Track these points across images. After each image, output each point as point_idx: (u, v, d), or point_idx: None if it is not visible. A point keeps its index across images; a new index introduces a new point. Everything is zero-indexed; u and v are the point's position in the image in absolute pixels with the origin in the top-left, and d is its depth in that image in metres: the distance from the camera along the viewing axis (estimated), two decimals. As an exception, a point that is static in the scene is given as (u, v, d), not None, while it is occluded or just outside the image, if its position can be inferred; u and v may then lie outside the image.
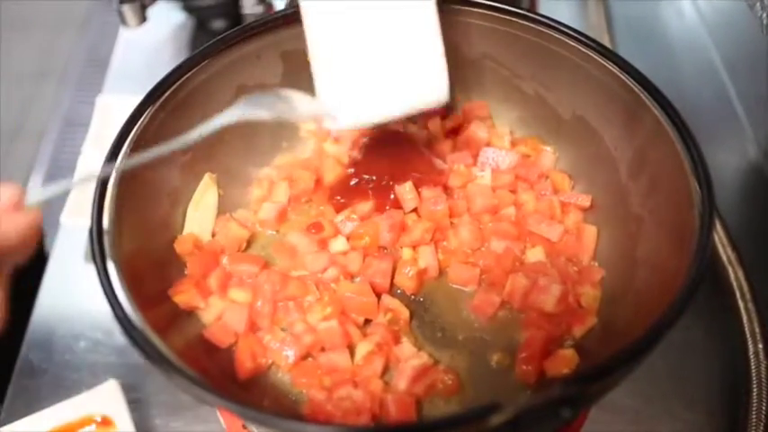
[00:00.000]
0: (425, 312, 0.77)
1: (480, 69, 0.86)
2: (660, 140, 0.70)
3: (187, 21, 1.29)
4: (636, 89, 0.72)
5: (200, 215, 0.81)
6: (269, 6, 1.19)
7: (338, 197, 0.84)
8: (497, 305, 0.76)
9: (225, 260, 0.78)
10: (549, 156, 0.87)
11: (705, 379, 0.85)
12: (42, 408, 0.81)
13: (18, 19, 2.43)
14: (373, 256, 0.80)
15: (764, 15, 0.84)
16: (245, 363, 0.72)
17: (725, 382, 0.84)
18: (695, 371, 0.85)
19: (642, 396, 0.83)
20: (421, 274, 0.78)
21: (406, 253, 0.80)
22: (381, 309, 0.76)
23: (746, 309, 0.84)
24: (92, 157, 1.06)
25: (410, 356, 0.72)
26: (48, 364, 0.89)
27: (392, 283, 0.78)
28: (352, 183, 0.85)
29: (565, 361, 0.70)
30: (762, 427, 0.76)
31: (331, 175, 0.85)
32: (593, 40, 0.76)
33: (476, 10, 0.80)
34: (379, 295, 0.76)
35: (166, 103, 0.74)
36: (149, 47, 1.28)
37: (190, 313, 0.74)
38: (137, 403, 0.84)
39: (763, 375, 0.79)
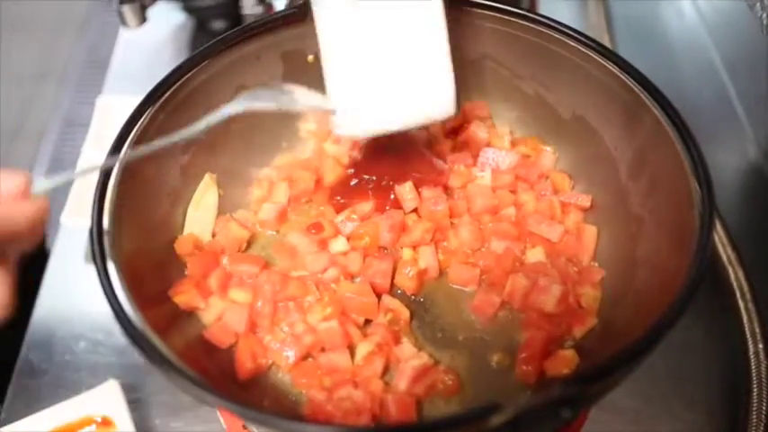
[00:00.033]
0: (426, 313, 0.77)
1: (480, 69, 0.86)
2: (660, 140, 0.70)
3: (187, 21, 1.29)
4: (636, 89, 0.72)
5: (201, 215, 0.81)
6: (269, 7, 1.19)
7: (338, 197, 0.84)
8: (497, 305, 0.76)
9: (225, 260, 0.78)
10: (549, 156, 0.87)
11: (705, 379, 0.85)
12: (42, 408, 0.81)
13: (18, 19, 2.43)
14: (373, 256, 0.80)
15: (764, 15, 0.84)
16: (245, 363, 0.72)
17: (725, 383, 0.84)
18: (695, 371, 0.85)
19: (642, 396, 0.83)
20: (421, 274, 0.78)
21: (407, 253, 0.80)
22: (382, 309, 0.76)
23: (746, 309, 0.84)
24: (92, 158, 1.06)
25: (410, 357, 0.72)
26: (48, 364, 0.89)
27: (392, 284, 0.78)
28: (353, 183, 0.85)
29: (565, 361, 0.70)
30: (762, 428, 0.76)
31: (331, 175, 0.85)
32: (593, 41, 0.76)
33: (476, 10, 0.80)
34: (379, 295, 0.76)
35: (166, 104, 0.74)
36: (149, 47, 1.28)
37: (190, 313, 0.74)
38: (137, 403, 0.84)
39: (763, 375, 0.79)
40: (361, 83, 0.69)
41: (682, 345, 0.87)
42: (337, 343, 0.73)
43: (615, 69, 0.74)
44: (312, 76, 0.86)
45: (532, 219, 0.81)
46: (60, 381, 0.88)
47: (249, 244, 0.82)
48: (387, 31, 0.67)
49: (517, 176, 0.85)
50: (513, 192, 0.84)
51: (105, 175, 0.66)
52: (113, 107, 1.12)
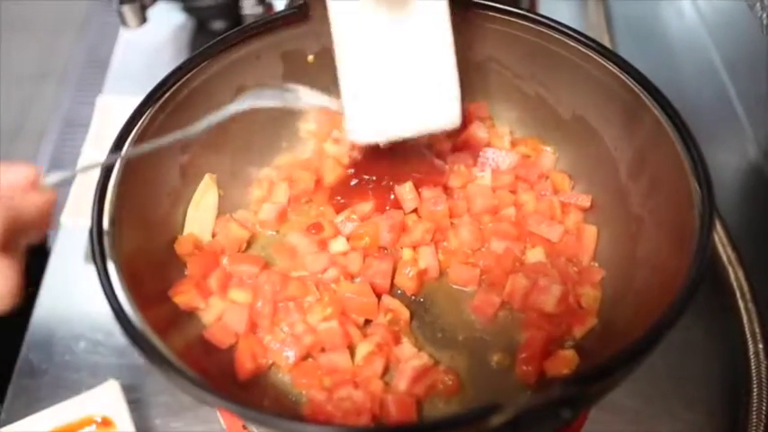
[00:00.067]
0: (426, 313, 0.77)
1: (480, 70, 0.86)
2: (660, 140, 0.70)
3: (187, 21, 1.29)
4: (636, 89, 0.72)
5: (201, 216, 0.81)
6: (269, 7, 1.19)
7: (338, 197, 0.84)
8: (497, 305, 0.76)
9: (225, 261, 0.78)
10: (549, 156, 0.87)
11: (705, 379, 0.85)
12: (42, 408, 0.81)
13: (18, 19, 2.43)
14: (373, 256, 0.80)
15: (764, 15, 0.84)
16: (245, 363, 0.72)
17: (725, 383, 0.84)
18: (695, 371, 0.85)
19: (642, 396, 0.83)
20: (421, 274, 0.78)
21: (407, 253, 0.80)
22: (381, 309, 0.76)
23: (747, 309, 0.84)
24: (92, 158, 1.06)
25: (410, 357, 0.72)
26: (48, 364, 0.89)
27: (392, 284, 0.78)
28: (353, 183, 0.85)
29: (565, 361, 0.70)
30: (762, 428, 0.76)
31: (331, 175, 0.85)
32: (593, 41, 0.76)
33: (476, 10, 0.80)
34: (379, 296, 0.76)
35: (166, 104, 0.74)
36: (149, 47, 1.28)
37: (190, 314, 0.74)
38: (137, 404, 0.84)
39: (763, 375, 0.79)
40: (372, 93, 0.71)
41: (682, 345, 0.87)
42: (337, 343, 0.73)
43: (615, 69, 0.74)
44: (312, 76, 0.86)
45: (532, 219, 0.81)
46: (60, 381, 0.88)
47: (249, 244, 0.82)
48: (396, 45, 0.69)
49: (517, 176, 0.85)
50: (513, 192, 0.84)
51: (105, 174, 0.66)
52: (113, 107, 1.12)
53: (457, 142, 0.88)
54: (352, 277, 0.78)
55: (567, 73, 0.80)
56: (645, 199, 0.74)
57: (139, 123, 0.71)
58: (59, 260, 1.00)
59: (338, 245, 0.80)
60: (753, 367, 0.80)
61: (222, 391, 0.55)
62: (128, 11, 1.07)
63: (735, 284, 0.86)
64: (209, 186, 0.82)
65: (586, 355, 0.71)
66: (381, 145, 0.75)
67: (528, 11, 0.79)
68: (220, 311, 0.75)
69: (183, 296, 0.73)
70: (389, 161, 0.84)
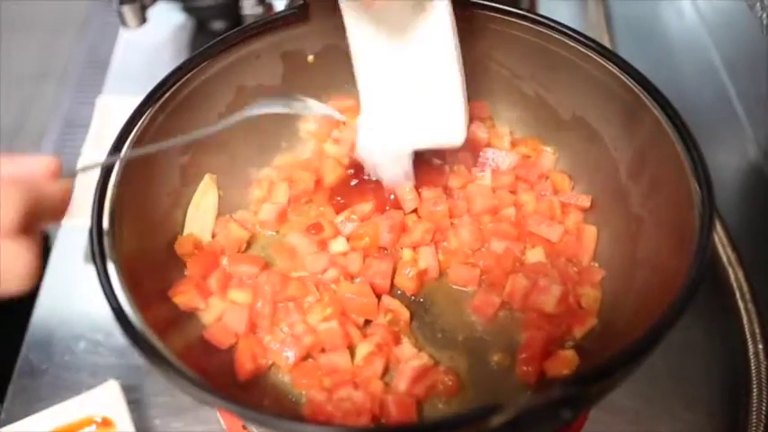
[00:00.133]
0: (426, 313, 0.77)
1: (480, 70, 0.85)
2: (660, 141, 0.70)
3: (187, 22, 1.29)
4: (636, 89, 0.72)
5: (201, 216, 0.81)
6: (269, 7, 1.19)
7: (338, 198, 0.84)
8: (497, 306, 0.76)
9: (225, 261, 0.78)
10: (549, 156, 0.87)
11: (705, 379, 0.85)
12: (42, 408, 0.81)
13: (18, 19, 2.43)
14: (373, 256, 0.79)
15: (764, 15, 0.84)
16: (245, 363, 0.72)
17: (725, 383, 0.84)
18: (695, 371, 0.85)
19: (642, 396, 0.83)
20: (421, 274, 0.78)
21: (407, 254, 0.80)
22: (381, 309, 0.76)
23: (746, 309, 0.84)
24: (92, 158, 1.06)
25: (410, 357, 0.72)
26: (48, 364, 0.89)
27: (392, 284, 0.78)
28: (353, 183, 0.85)
29: (565, 362, 0.70)
30: (762, 428, 0.76)
31: (331, 175, 0.85)
32: (593, 41, 0.76)
33: (475, 11, 0.80)
34: (379, 296, 0.76)
35: (166, 104, 0.74)
36: (149, 48, 1.28)
37: (190, 314, 0.74)
38: (137, 404, 0.84)
39: (763, 376, 0.79)
40: (384, 110, 0.75)
41: (682, 345, 0.87)
42: (337, 343, 0.73)
43: (615, 69, 0.74)
44: (312, 77, 0.86)
45: (532, 219, 0.81)
46: (60, 381, 0.88)
47: (249, 244, 0.82)
48: (403, 65, 0.72)
49: (517, 177, 0.85)
50: (513, 192, 0.84)
51: (105, 174, 0.66)
52: (113, 107, 1.12)
53: (457, 142, 0.88)
54: (352, 277, 0.78)
55: (566, 73, 0.80)
56: (645, 199, 0.74)
57: (139, 123, 0.71)
58: (59, 260, 1.00)
59: (338, 245, 0.80)
60: (753, 367, 0.80)
61: (222, 392, 0.55)
62: (128, 11, 1.07)
63: (735, 285, 0.86)
64: (209, 186, 0.82)
65: (586, 356, 0.71)
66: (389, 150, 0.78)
67: (528, 11, 0.79)
68: (220, 312, 0.75)
69: (183, 296, 0.73)
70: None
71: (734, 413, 0.80)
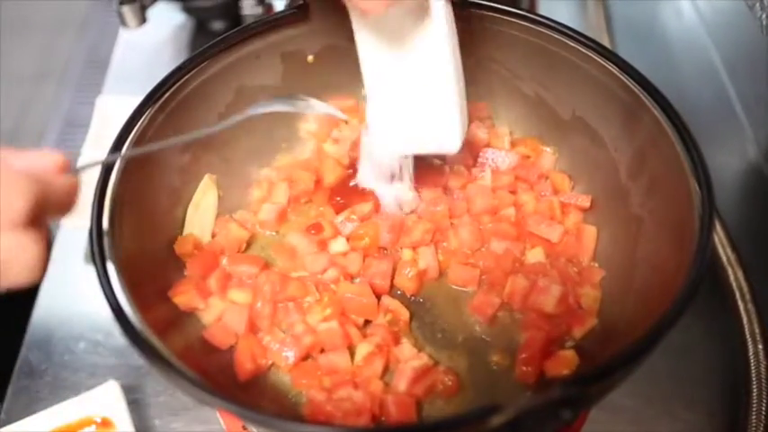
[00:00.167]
0: (425, 313, 0.77)
1: (480, 70, 0.85)
2: (660, 141, 0.70)
3: (187, 22, 1.29)
4: (635, 90, 0.72)
5: (200, 216, 0.81)
6: (268, 7, 1.19)
7: (338, 198, 0.84)
8: (497, 306, 0.76)
9: (225, 261, 0.78)
10: (548, 156, 0.87)
11: (705, 379, 0.85)
12: (42, 409, 0.80)
13: (18, 20, 2.43)
14: (373, 256, 0.80)
15: (764, 16, 0.84)
16: (244, 364, 0.72)
17: (725, 383, 0.84)
18: (695, 371, 0.85)
19: (642, 396, 0.83)
20: (421, 274, 0.78)
21: (406, 254, 0.80)
22: (381, 310, 0.76)
23: (746, 309, 0.84)
24: (92, 158, 1.06)
25: (410, 357, 0.72)
26: (47, 364, 0.89)
27: (392, 284, 0.78)
28: (352, 183, 0.85)
29: (565, 362, 0.70)
30: (762, 428, 0.76)
31: (331, 175, 0.85)
32: (593, 41, 0.76)
33: (475, 11, 0.80)
34: (378, 296, 0.76)
35: (166, 104, 0.74)
36: (149, 48, 1.28)
37: (190, 314, 0.74)
38: (136, 404, 0.84)
39: (763, 376, 0.79)
40: (388, 115, 0.76)
41: (682, 345, 0.87)
42: (337, 343, 0.73)
43: (615, 70, 0.74)
44: (312, 77, 0.86)
45: (532, 219, 0.81)
46: (60, 381, 0.88)
47: (249, 244, 0.82)
48: (403, 75, 0.73)
49: (517, 177, 0.85)
50: (513, 192, 0.84)
51: (105, 175, 0.66)
52: (113, 107, 1.11)
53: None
54: (351, 278, 0.78)
55: (566, 73, 0.79)
56: (645, 199, 0.74)
57: (139, 123, 0.71)
58: (59, 260, 1.00)
59: (338, 245, 0.80)
60: (753, 368, 0.80)
61: (222, 392, 0.55)
62: (127, 11, 1.07)
63: (734, 285, 0.86)
64: (209, 187, 0.82)
65: (586, 356, 0.71)
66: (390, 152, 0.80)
67: (528, 11, 0.79)
68: (220, 312, 0.75)
69: (183, 296, 0.73)
70: (389, 161, 0.84)
71: (734, 413, 0.80)
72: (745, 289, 0.85)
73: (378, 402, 0.69)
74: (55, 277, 0.97)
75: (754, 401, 0.78)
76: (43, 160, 0.52)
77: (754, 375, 0.79)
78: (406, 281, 0.78)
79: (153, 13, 1.11)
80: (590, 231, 0.80)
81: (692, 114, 0.71)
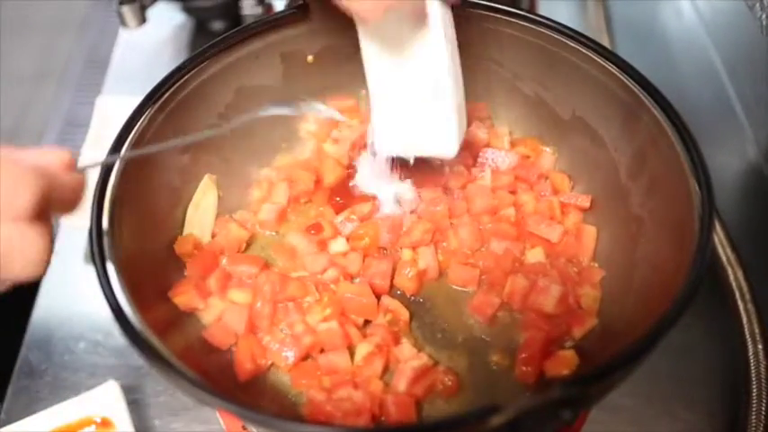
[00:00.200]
0: (425, 313, 0.77)
1: (480, 70, 0.85)
2: (660, 141, 0.70)
3: (187, 22, 1.29)
4: (635, 90, 0.72)
5: (200, 216, 0.81)
6: (268, 7, 1.19)
7: (338, 198, 0.84)
8: (497, 306, 0.76)
9: (224, 261, 0.78)
10: (548, 156, 0.87)
11: (705, 379, 0.85)
12: (42, 409, 0.81)
13: (18, 20, 2.43)
14: (373, 256, 0.80)
15: (764, 16, 0.84)
16: (244, 364, 0.72)
17: (725, 383, 0.84)
18: (695, 371, 0.85)
19: (642, 396, 0.83)
20: (421, 275, 0.78)
21: (406, 254, 0.80)
22: (381, 310, 0.76)
23: (746, 309, 0.84)
24: (92, 158, 1.06)
25: (410, 357, 0.72)
26: (47, 364, 0.89)
27: (392, 284, 0.78)
28: (352, 183, 0.85)
29: (565, 362, 0.70)
30: (762, 428, 0.76)
31: (331, 175, 0.85)
32: (593, 41, 0.76)
33: (475, 11, 0.80)
34: (378, 296, 0.76)
35: (166, 104, 0.74)
36: (149, 48, 1.28)
37: (189, 314, 0.74)
38: (136, 404, 0.84)
39: (762, 376, 0.79)
40: (389, 118, 0.77)
41: (682, 345, 0.87)
42: (337, 343, 0.73)
43: (615, 70, 0.74)
44: (311, 77, 0.86)
45: (532, 219, 0.81)
46: (60, 381, 0.88)
47: (249, 244, 0.82)
48: (404, 80, 0.74)
49: (517, 177, 0.85)
50: (513, 192, 0.84)
51: (105, 175, 0.66)
52: (113, 107, 1.11)
53: (456, 142, 0.88)
54: (351, 278, 0.78)
55: (566, 73, 0.80)
56: (645, 199, 0.74)
57: (139, 123, 0.71)
58: (59, 260, 1.00)
59: (338, 245, 0.80)
60: (752, 367, 0.80)
61: (222, 392, 0.55)
62: (127, 11, 1.07)
63: (734, 285, 0.86)
64: (209, 187, 0.82)
65: (586, 356, 0.71)
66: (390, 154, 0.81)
67: (528, 11, 0.79)
68: (220, 312, 0.75)
69: (183, 297, 0.73)
70: (389, 161, 0.84)
71: (734, 413, 0.80)
72: (745, 289, 0.85)
73: (378, 402, 0.69)
74: (55, 277, 0.97)
75: (754, 401, 0.78)
76: (49, 156, 0.52)
77: (754, 375, 0.79)
78: (405, 281, 0.78)
79: (153, 13, 1.11)
80: (590, 231, 0.80)
81: (692, 114, 0.71)
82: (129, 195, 0.68)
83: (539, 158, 0.86)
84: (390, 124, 0.77)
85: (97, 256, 0.61)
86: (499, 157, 0.85)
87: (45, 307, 0.95)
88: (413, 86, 0.73)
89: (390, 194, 0.83)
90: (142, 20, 1.09)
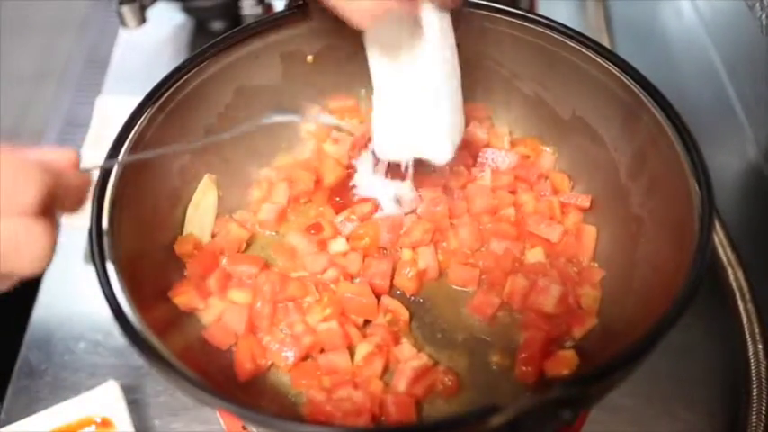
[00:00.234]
0: (425, 313, 0.77)
1: (480, 70, 0.85)
2: (660, 141, 0.70)
3: (186, 22, 1.29)
4: (635, 90, 0.72)
5: (200, 216, 0.81)
6: (268, 7, 1.19)
7: (338, 198, 0.84)
8: (497, 306, 0.76)
9: (224, 261, 0.78)
10: (548, 156, 0.87)
11: (705, 379, 0.85)
12: (42, 409, 0.80)
13: (18, 19, 2.43)
14: (373, 256, 0.80)
15: (764, 16, 0.84)
16: (244, 364, 0.72)
17: (725, 383, 0.84)
18: (695, 371, 0.85)
19: (642, 396, 0.83)
20: (420, 274, 0.78)
21: (406, 254, 0.80)
22: (381, 310, 0.76)
23: (746, 309, 0.84)
24: (92, 158, 1.06)
25: (410, 357, 0.72)
26: (47, 364, 0.89)
27: (392, 284, 0.78)
28: (352, 183, 0.84)
29: (565, 362, 0.70)
30: (762, 428, 0.76)
31: (331, 175, 0.85)
32: (593, 41, 0.76)
33: (475, 11, 0.80)
34: (378, 296, 0.76)
35: (166, 105, 0.74)
36: (149, 48, 1.28)
37: (189, 314, 0.74)
38: (136, 404, 0.84)
39: (762, 376, 0.79)
40: (388, 122, 0.77)
41: (682, 345, 0.87)
42: (337, 343, 0.73)
43: (615, 70, 0.74)
44: (311, 77, 0.86)
45: (532, 219, 0.81)
46: (60, 381, 0.87)
47: (248, 244, 0.82)
48: (403, 85, 0.74)
49: (517, 177, 0.85)
50: (513, 192, 0.84)
51: (105, 175, 0.66)
52: (113, 107, 1.11)
53: (456, 143, 0.88)
54: (351, 278, 0.78)
55: (566, 73, 0.79)
56: (645, 199, 0.74)
57: (139, 123, 0.71)
58: (59, 260, 1.00)
59: (338, 245, 0.80)
60: (752, 367, 0.80)
61: (222, 392, 0.55)
62: (127, 11, 1.07)
63: (734, 285, 0.86)
64: (209, 187, 0.82)
65: (586, 356, 0.71)
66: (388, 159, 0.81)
67: (527, 11, 0.79)
68: (220, 312, 0.75)
69: (183, 296, 0.73)
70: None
71: (734, 413, 0.80)
72: (745, 289, 0.85)
73: (378, 402, 0.69)
74: (55, 277, 0.97)
75: (754, 401, 0.78)
76: (55, 155, 0.53)
77: (754, 375, 0.79)
78: (405, 281, 0.78)
79: (153, 13, 1.11)
80: (590, 231, 0.80)
81: (692, 114, 0.71)
82: (128, 195, 0.68)
83: (539, 158, 0.86)
84: (388, 128, 0.77)
85: (97, 256, 0.61)
86: (499, 157, 0.85)
87: (45, 307, 0.95)
88: (409, 91, 0.74)
89: (390, 194, 0.83)
90: (142, 20, 1.09)
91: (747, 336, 0.82)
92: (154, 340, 0.58)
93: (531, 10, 0.88)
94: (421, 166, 0.83)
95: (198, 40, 1.25)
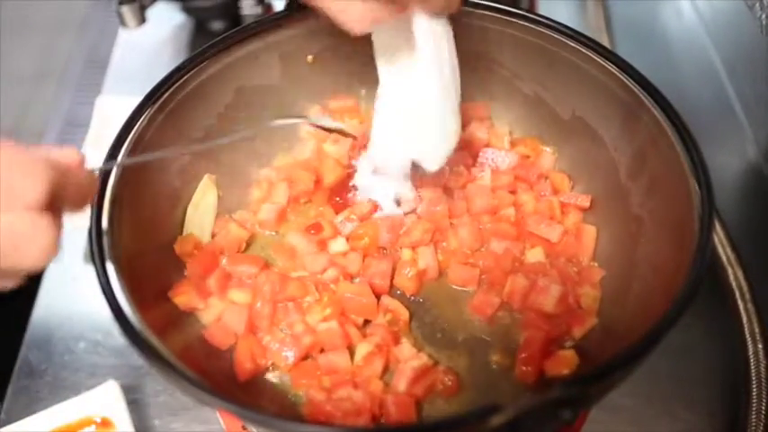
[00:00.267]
0: (425, 313, 0.77)
1: (480, 70, 0.86)
2: (660, 141, 0.70)
3: (186, 22, 1.29)
4: (635, 90, 0.72)
5: (200, 216, 0.81)
6: (268, 7, 1.19)
7: (338, 198, 0.84)
8: (497, 306, 0.76)
9: (224, 261, 0.78)
10: (548, 156, 0.87)
11: (705, 379, 0.85)
12: (42, 409, 0.80)
13: (18, 19, 2.43)
14: (373, 256, 0.80)
15: (764, 16, 0.84)
16: (244, 364, 0.72)
17: (725, 383, 0.84)
18: (695, 371, 0.85)
19: (642, 396, 0.83)
20: (420, 274, 0.78)
21: (406, 254, 0.80)
22: (381, 309, 0.76)
23: (746, 309, 0.83)
24: (92, 158, 1.06)
25: (410, 357, 0.72)
26: (47, 364, 0.89)
27: (392, 284, 0.79)
28: (352, 183, 0.85)
29: (565, 362, 0.70)
30: (762, 428, 0.76)
31: (331, 175, 0.85)
32: (593, 41, 0.76)
33: (475, 10, 0.80)
34: (378, 296, 0.76)
35: (165, 105, 0.74)
36: (149, 48, 1.28)
37: (189, 314, 0.74)
38: (136, 404, 0.84)
39: (762, 375, 0.79)
40: (387, 124, 0.77)
41: (682, 345, 0.87)
42: (337, 343, 0.73)
43: (615, 70, 0.74)
44: (311, 77, 0.86)
45: (532, 219, 0.81)
46: (60, 381, 0.87)
47: (248, 244, 0.82)
48: (401, 91, 0.75)
49: (516, 177, 0.85)
50: (513, 192, 0.84)
51: (104, 175, 0.66)
52: (113, 107, 1.11)
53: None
54: (351, 278, 0.78)
55: (566, 73, 0.79)
56: (644, 199, 0.74)
57: (138, 123, 0.71)
58: (59, 260, 1.00)
59: (337, 245, 0.80)
60: (752, 367, 0.80)
61: (221, 392, 0.55)
62: (127, 11, 1.06)
63: (734, 285, 0.86)
64: (209, 187, 0.82)
65: (586, 356, 0.71)
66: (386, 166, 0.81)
67: (527, 11, 0.79)
68: (220, 312, 0.75)
69: (183, 296, 0.73)
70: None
71: (734, 413, 0.80)
72: (745, 289, 0.85)
73: (377, 402, 0.69)
74: (55, 277, 0.97)
75: (754, 401, 0.78)
76: (63, 153, 0.53)
77: (754, 375, 0.79)
78: (405, 281, 0.78)
79: (152, 13, 1.11)
80: (590, 231, 0.80)
81: (692, 114, 0.71)
82: (128, 195, 0.68)
83: (539, 158, 0.86)
84: (388, 130, 0.77)
85: (97, 256, 0.61)
86: (499, 157, 0.85)
87: (45, 307, 0.95)
88: (404, 97, 0.74)
89: (390, 194, 0.83)
90: (142, 20, 1.09)
91: (747, 335, 0.82)
92: (154, 340, 0.59)
93: (531, 10, 0.88)
94: (421, 167, 0.83)
95: (198, 40, 1.25)
